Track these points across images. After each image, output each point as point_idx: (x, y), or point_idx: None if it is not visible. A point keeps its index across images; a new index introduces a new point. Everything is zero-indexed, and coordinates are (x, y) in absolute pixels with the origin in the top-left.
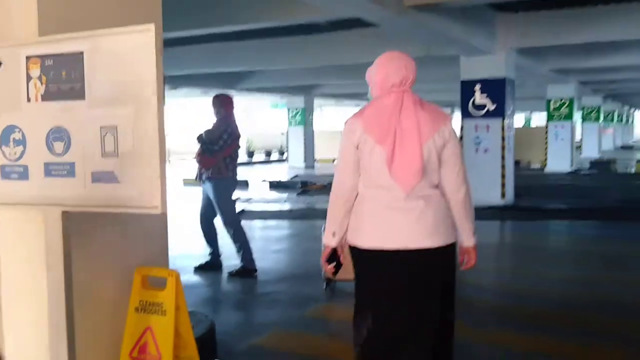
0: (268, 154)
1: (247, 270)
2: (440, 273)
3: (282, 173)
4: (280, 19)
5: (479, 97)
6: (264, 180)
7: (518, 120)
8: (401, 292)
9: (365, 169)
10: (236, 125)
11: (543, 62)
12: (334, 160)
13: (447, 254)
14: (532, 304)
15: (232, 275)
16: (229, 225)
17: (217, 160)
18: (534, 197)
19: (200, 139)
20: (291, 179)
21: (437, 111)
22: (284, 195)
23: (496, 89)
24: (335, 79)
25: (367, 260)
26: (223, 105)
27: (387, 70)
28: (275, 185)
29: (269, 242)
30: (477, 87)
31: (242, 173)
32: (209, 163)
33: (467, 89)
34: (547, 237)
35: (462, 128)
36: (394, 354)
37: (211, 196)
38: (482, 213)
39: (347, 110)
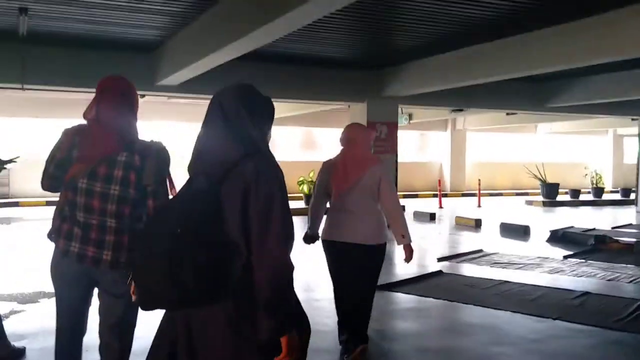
0: (626, 193)
1: None
2: (368, 261)
3: (621, 219)
4: None
5: None
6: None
7: None
8: (341, 269)
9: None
10: None
11: None
12: None
13: (374, 249)
14: None
15: None
16: None
17: None
18: None
19: None
20: (584, 231)
21: (370, 157)
22: (556, 253)
23: None
24: None
25: (325, 248)
26: None
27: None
28: (558, 237)
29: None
30: None
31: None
32: None
33: None
34: None
35: None
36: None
37: None
38: None
39: None
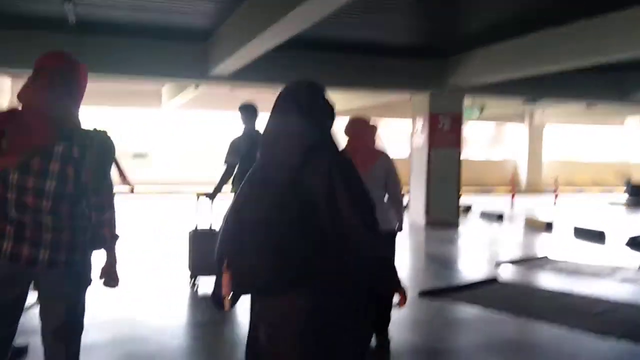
0: None
1: None
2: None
3: None
4: None
5: None
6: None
7: None
8: None
9: None
10: None
11: None
12: None
13: (388, 235)
14: None
15: None
16: None
17: None
18: None
19: None
20: None
21: (376, 149)
22: (633, 262)
23: None
24: None
25: None
26: None
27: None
28: (638, 243)
29: None
30: None
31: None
32: None
33: None
34: None
35: None
36: None
37: None
38: None
39: None
